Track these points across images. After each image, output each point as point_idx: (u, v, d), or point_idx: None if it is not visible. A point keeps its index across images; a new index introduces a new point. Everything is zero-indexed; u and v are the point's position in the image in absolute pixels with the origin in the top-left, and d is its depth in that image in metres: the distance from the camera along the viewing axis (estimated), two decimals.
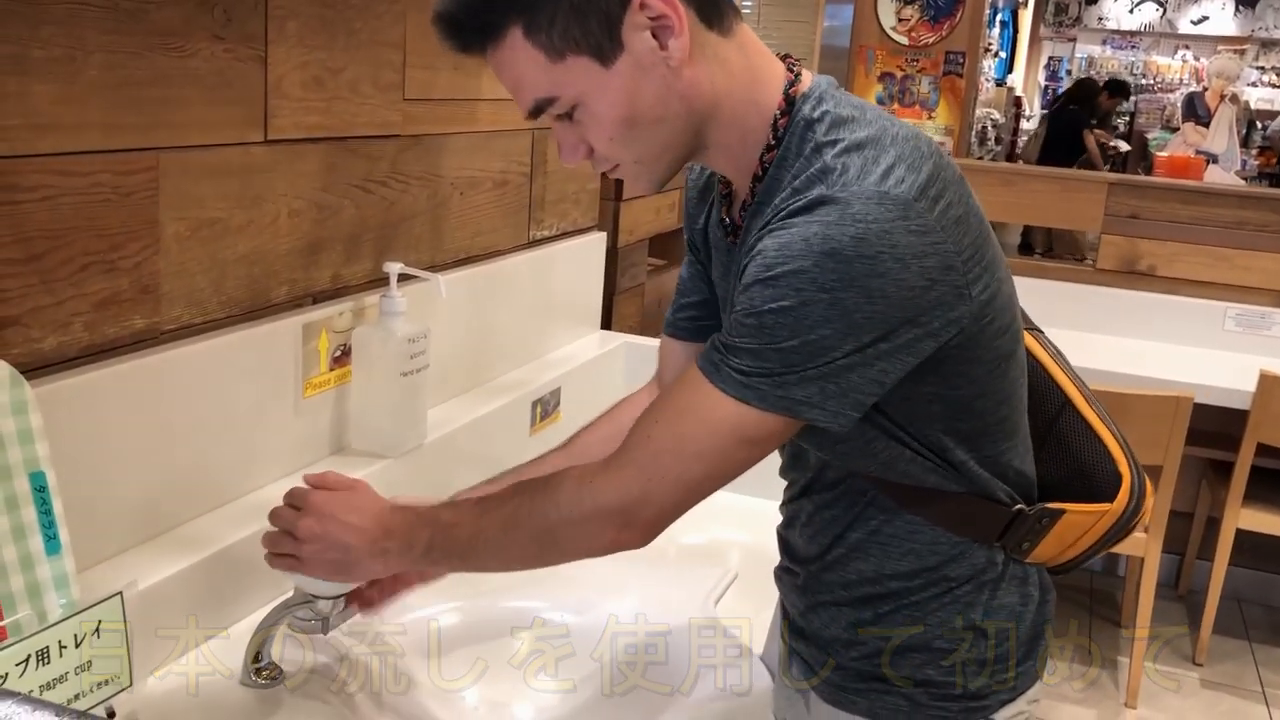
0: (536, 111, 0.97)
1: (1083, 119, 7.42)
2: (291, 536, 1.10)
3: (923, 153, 0.93)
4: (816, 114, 0.97)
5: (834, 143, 0.93)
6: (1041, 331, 1.19)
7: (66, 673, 0.93)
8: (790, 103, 0.98)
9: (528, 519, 1.01)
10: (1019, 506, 1.07)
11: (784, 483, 1.19)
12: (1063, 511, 1.08)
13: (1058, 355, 1.18)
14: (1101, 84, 8.22)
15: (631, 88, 0.94)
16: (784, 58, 1.03)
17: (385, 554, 1.07)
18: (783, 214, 0.91)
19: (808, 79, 1.01)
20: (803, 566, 1.15)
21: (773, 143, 0.98)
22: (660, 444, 0.96)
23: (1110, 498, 1.10)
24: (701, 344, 1.22)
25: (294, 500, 1.13)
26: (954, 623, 1.07)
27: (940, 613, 1.07)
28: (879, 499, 1.07)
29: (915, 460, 1.03)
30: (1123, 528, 1.11)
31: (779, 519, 1.21)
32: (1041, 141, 7.58)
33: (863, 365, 0.91)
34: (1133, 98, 10.14)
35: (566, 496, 0.99)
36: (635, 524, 0.97)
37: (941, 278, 0.91)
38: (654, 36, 0.92)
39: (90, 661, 0.95)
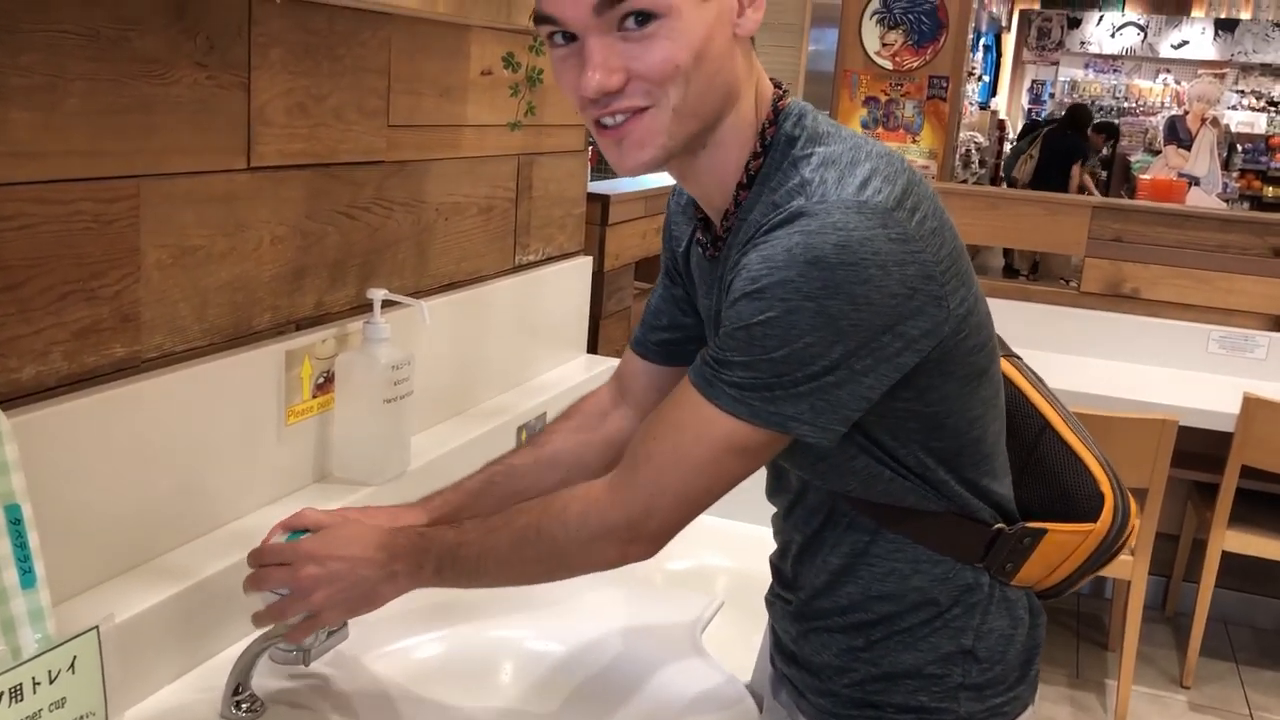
0: (609, 3, 0.90)
1: (1080, 149, 7.49)
2: (296, 593, 1.08)
3: (896, 167, 0.95)
4: (796, 130, 1.00)
5: (809, 156, 0.96)
6: (1019, 357, 1.20)
7: (40, 710, 0.91)
8: (777, 113, 1.01)
9: (536, 540, 1.03)
10: (999, 525, 1.07)
11: (770, 509, 1.19)
12: (1044, 531, 1.08)
13: (1036, 381, 1.18)
14: (1092, 122, 8.31)
15: (712, 30, 0.94)
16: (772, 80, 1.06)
17: (395, 577, 1.07)
18: (764, 229, 0.93)
19: (789, 98, 1.04)
20: (794, 594, 1.15)
21: (759, 150, 1.00)
22: (661, 460, 0.99)
23: (1093, 518, 1.10)
24: (670, 367, 1.24)
25: (278, 558, 1.11)
26: (945, 648, 1.07)
27: (931, 638, 1.07)
28: (860, 520, 1.07)
29: (895, 480, 1.03)
30: (1109, 549, 1.11)
31: (766, 544, 1.22)
32: (1035, 164, 7.61)
33: (849, 380, 0.92)
34: (1115, 120, 10.23)
35: (574, 518, 1.02)
36: (641, 538, 1.01)
37: (922, 286, 0.92)
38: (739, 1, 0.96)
39: (65, 698, 0.93)
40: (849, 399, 0.93)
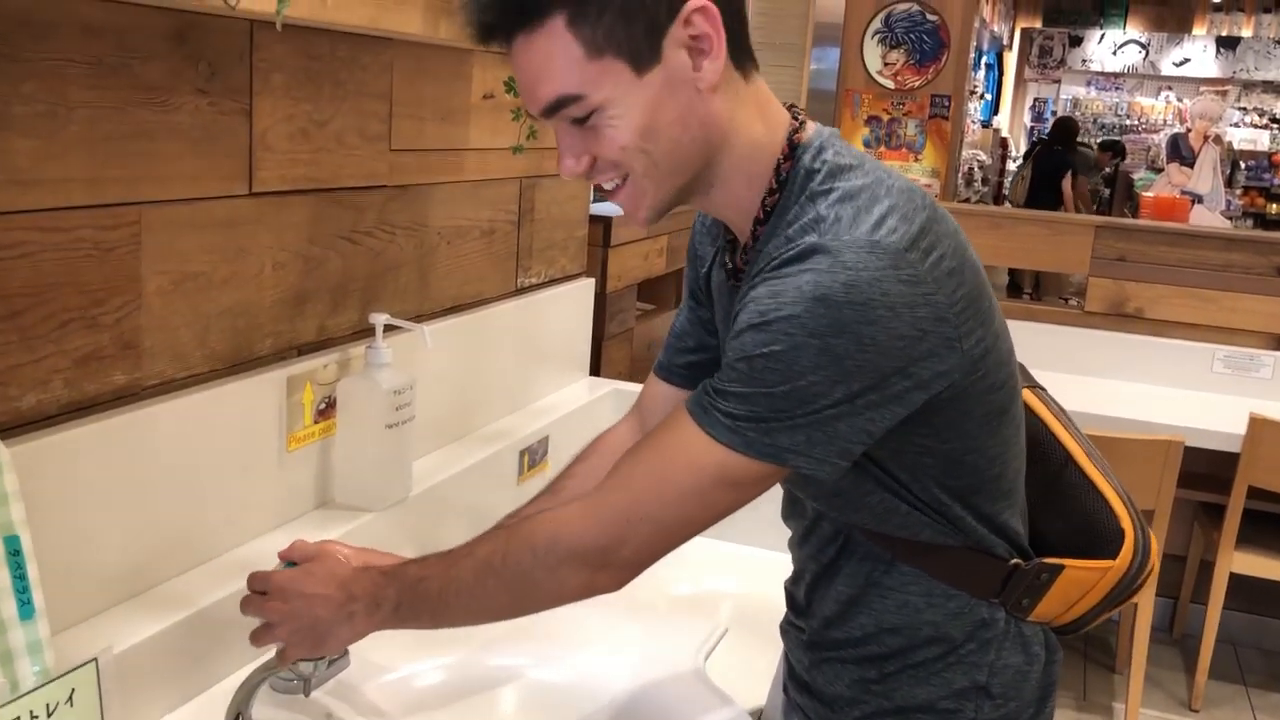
0: (555, 109, 0.95)
1: (1068, 162, 7.48)
2: (267, 624, 1.08)
3: (916, 204, 0.94)
4: (816, 164, 0.98)
5: (828, 191, 0.94)
6: (1043, 389, 1.19)
7: None
8: (793, 148, 0.99)
9: (501, 568, 0.99)
10: (1015, 561, 1.06)
11: (776, 533, 1.19)
12: (1062, 567, 1.06)
13: (1060, 413, 1.17)
14: (1097, 143, 8.30)
15: (658, 101, 0.94)
16: (789, 107, 1.04)
17: (352, 618, 1.04)
18: (775, 262, 0.92)
19: (811, 128, 1.02)
20: (807, 622, 1.15)
21: (774, 186, 0.98)
22: (641, 485, 0.96)
23: (1113, 554, 1.08)
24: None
25: (258, 585, 1.10)
26: (958, 683, 1.06)
27: (945, 673, 1.06)
28: (874, 550, 1.06)
29: (910, 514, 1.02)
30: (1128, 586, 1.09)
31: (770, 568, 1.21)
32: (1028, 184, 7.64)
33: (850, 414, 0.91)
34: (1118, 138, 10.23)
35: (543, 541, 0.98)
36: (611, 565, 0.97)
37: (933, 329, 0.91)
38: (690, 56, 0.93)
39: None
40: (849, 432, 0.92)
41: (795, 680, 1.18)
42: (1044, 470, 1.13)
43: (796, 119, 1.02)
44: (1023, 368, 1.16)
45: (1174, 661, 3.55)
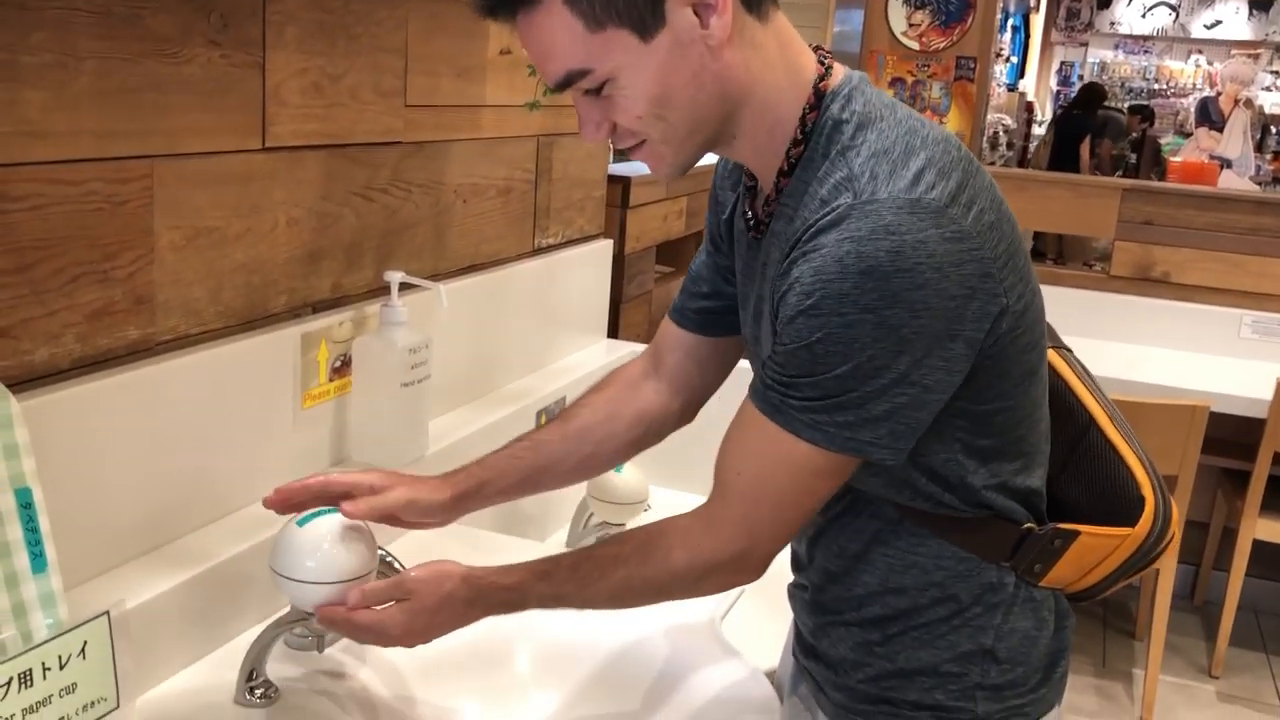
0: (565, 84, 0.93)
1: (1088, 125, 7.38)
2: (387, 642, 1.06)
3: (953, 156, 0.91)
4: (845, 114, 0.94)
5: (858, 146, 0.91)
6: (1069, 350, 1.16)
7: (51, 695, 0.90)
8: (819, 97, 0.96)
9: (642, 585, 1.03)
10: (1029, 525, 1.04)
11: None
12: (1077, 533, 1.04)
13: (1084, 375, 1.15)
14: (1127, 106, 8.17)
15: (668, 65, 0.91)
16: (815, 49, 1.01)
17: (490, 614, 1.07)
18: (812, 230, 0.89)
19: (839, 73, 0.98)
20: (808, 577, 1.14)
21: (800, 138, 0.95)
22: (751, 493, 0.98)
23: (1132, 522, 1.06)
24: (708, 338, 1.21)
25: (367, 638, 1.06)
26: (964, 646, 1.05)
27: (950, 635, 1.05)
28: (883, 510, 1.05)
29: (929, 483, 1.01)
30: (1147, 554, 1.07)
31: None
32: (1050, 148, 7.55)
33: (921, 396, 0.90)
34: (1146, 102, 10.09)
35: (680, 563, 1.00)
36: (748, 569, 1.01)
37: (980, 285, 0.89)
38: (696, 14, 0.90)
39: (75, 684, 0.92)
40: (923, 415, 0.92)
41: (802, 644, 1.17)
42: (1066, 434, 1.11)
43: (823, 63, 0.98)
44: (1050, 328, 1.13)
45: (1195, 629, 3.53)
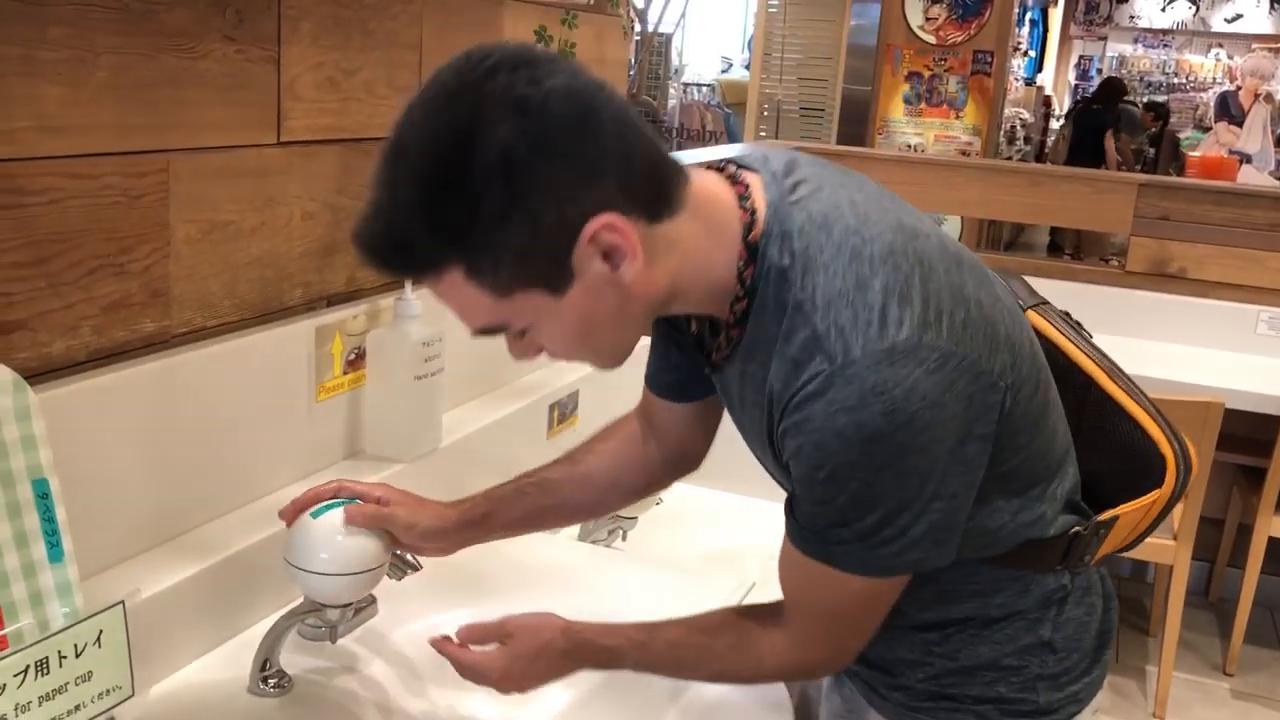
0: (484, 334, 0.92)
1: (1106, 120, 7.35)
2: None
3: (904, 268, 0.88)
4: (785, 259, 0.90)
5: (814, 295, 0.88)
6: (1047, 304, 1.13)
7: (67, 683, 0.92)
8: (751, 249, 0.91)
9: (737, 679, 1.10)
10: (1075, 530, 1.03)
11: None
12: (1115, 518, 1.05)
13: (1068, 329, 1.12)
14: (1143, 102, 8.14)
15: (586, 309, 0.88)
16: (722, 169, 0.96)
17: (584, 669, 1.09)
18: (796, 398, 0.88)
19: (761, 207, 0.92)
20: None
21: (741, 294, 0.92)
22: (826, 620, 1.00)
23: (1158, 482, 1.06)
24: (689, 403, 1.19)
25: (469, 676, 1.09)
26: (1022, 640, 1.05)
27: (1007, 630, 1.05)
28: None
29: (977, 534, 1.00)
30: (1174, 502, 1.09)
31: None
32: (1069, 143, 7.51)
33: (953, 504, 0.91)
34: (1164, 97, 10.03)
35: (770, 668, 1.04)
36: (841, 662, 1.05)
37: (976, 388, 0.89)
38: (605, 259, 0.86)
39: (91, 672, 0.94)
40: (961, 515, 0.93)
41: None
42: (1067, 399, 1.08)
43: (744, 205, 0.92)
44: (1027, 286, 1.13)
45: (1209, 626, 3.52)
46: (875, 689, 1.12)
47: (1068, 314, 1.16)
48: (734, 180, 0.95)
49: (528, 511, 1.21)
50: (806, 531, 0.94)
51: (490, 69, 0.81)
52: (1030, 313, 1.10)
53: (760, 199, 0.93)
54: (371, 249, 0.86)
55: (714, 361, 1.00)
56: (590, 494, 1.24)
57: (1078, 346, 1.11)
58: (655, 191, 0.87)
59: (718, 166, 0.97)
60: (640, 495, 1.29)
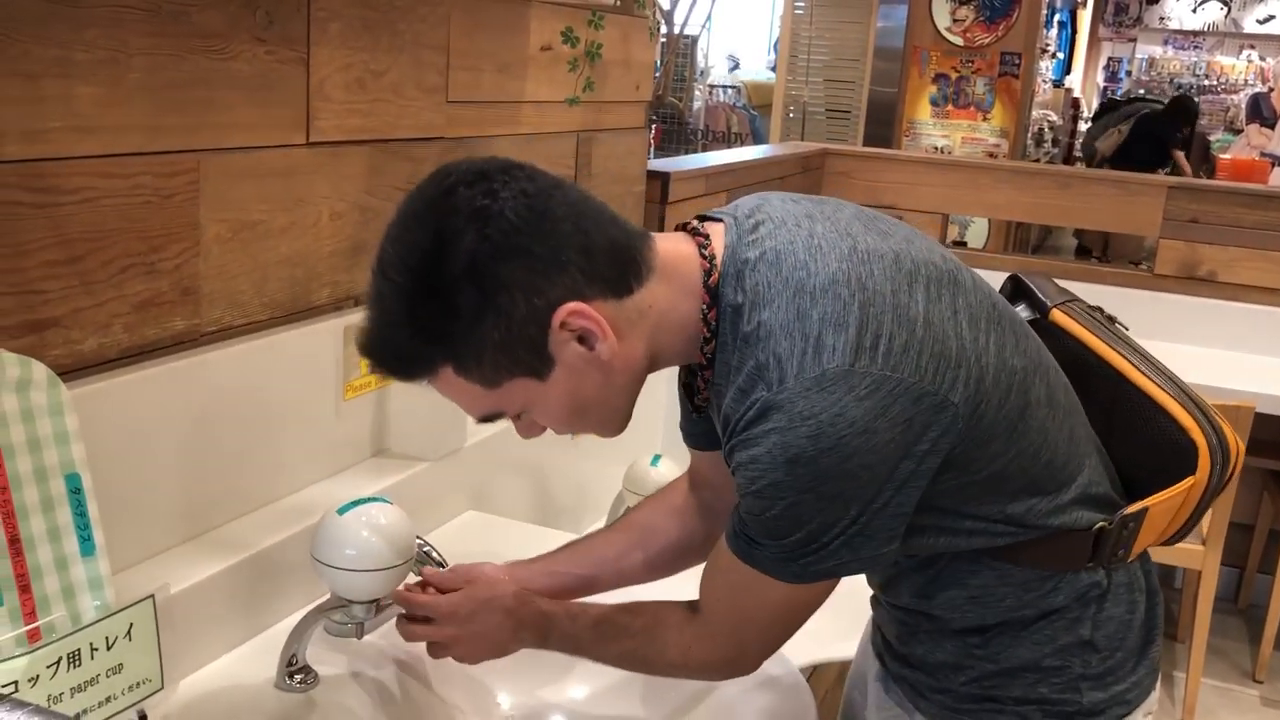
0: (486, 420, 1.00)
1: (1173, 136, 7.30)
2: (437, 645, 1.16)
3: (843, 297, 0.90)
4: (738, 298, 0.95)
5: (757, 330, 0.92)
6: (1076, 301, 1.14)
7: (98, 675, 0.93)
8: (712, 293, 0.96)
9: (643, 665, 1.12)
10: (1100, 525, 1.03)
11: None
12: (1145, 510, 1.04)
13: (1097, 324, 1.12)
14: (1196, 119, 8.08)
15: (572, 387, 0.95)
16: (687, 228, 1.00)
17: (522, 641, 1.15)
18: (740, 424, 0.92)
19: (717, 246, 0.97)
20: (893, 600, 1.13)
21: (708, 335, 0.97)
22: (734, 619, 1.03)
23: (1191, 470, 1.05)
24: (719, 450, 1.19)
25: (418, 611, 1.15)
26: (1062, 640, 1.04)
27: (1046, 630, 1.04)
28: (960, 556, 1.04)
29: (977, 533, 1.01)
30: (1218, 488, 1.07)
31: None
32: (1124, 140, 7.41)
33: (879, 516, 0.93)
34: (1195, 99, 9.94)
35: (675, 657, 1.08)
36: (739, 671, 1.08)
37: (916, 411, 0.90)
38: (581, 342, 0.93)
39: (122, 664, 0.95)
40: (888, 525, 0.94)
41: (892, 653, 1.16)
42: (1097, 395, 1.08)
43: (703, 254, 0.97)
44: (1055, 285, 1.13)
45: (1239, 632, 3.49)
46: (920, 692, 1.12)
47: (1099, 309, 1.16)
48: (695, 233, 0.99)
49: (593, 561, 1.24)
50: (738, 531, 0.97)
51: (449, 188, 0.90)
52: (1056, 311, 1.11)
53: (719, 244, 0.98)
54: (372, 357, 0.95)
55: (698, 405, 1.05)
56: (663, 574, 1.26)
57: (1104, 341, 1.11)
58: (618, 270, 0.94)
59: (682, 224, 1.02)
60: (683, 548, 1.27)
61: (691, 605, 1.07)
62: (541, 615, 1.13)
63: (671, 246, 0.98)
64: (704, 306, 0.96)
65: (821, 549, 0.93)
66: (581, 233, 0.91)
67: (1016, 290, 1.16)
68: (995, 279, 1.12)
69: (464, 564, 1.20)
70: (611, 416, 1.02)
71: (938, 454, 0.92)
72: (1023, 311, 1.12)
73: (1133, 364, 1.09)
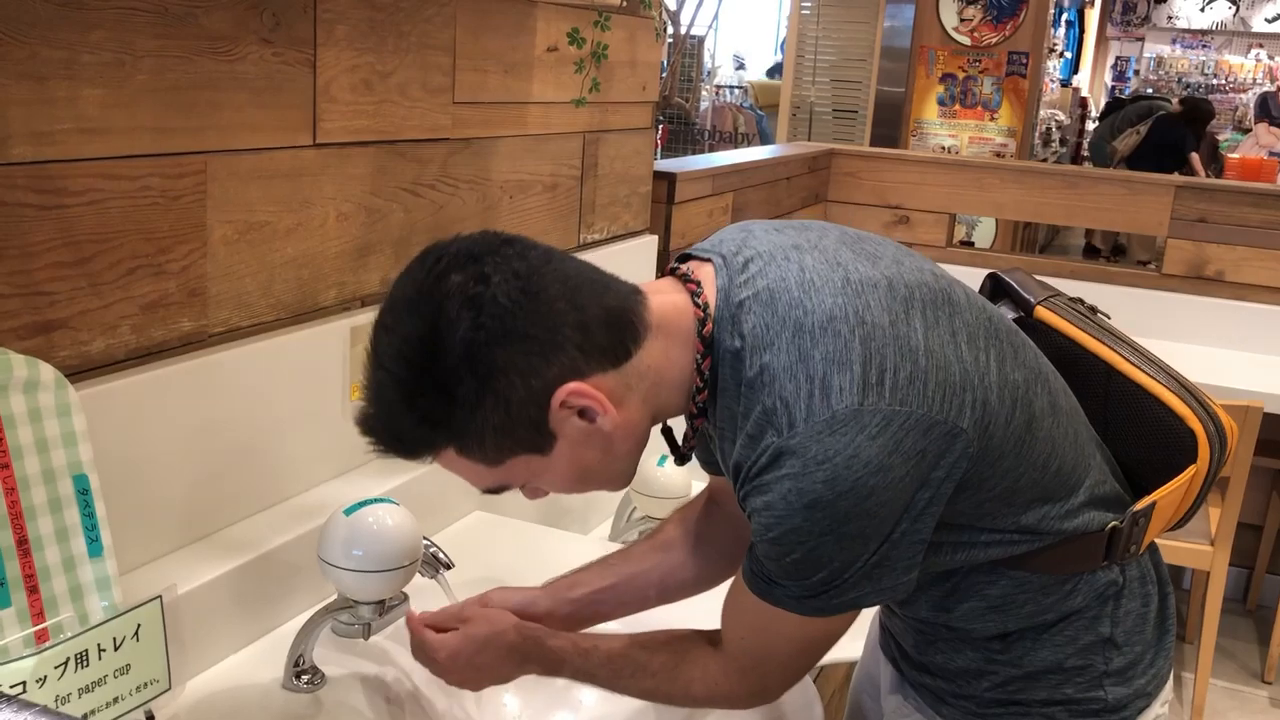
0: (491, 493, 1.01)
1: (1191, 141, 7.30)
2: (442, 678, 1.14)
3: (843, 334, 0.89)
4: (736, 342, 0.94)
5: (760, 374, 0.91)
6: (1058, 295, 1.13)
7: (105, 676, 0.93)
8: (707, 342, 0.95)
9: (666, 700, 1.10)
10: (1112, 525, 1.03)
11: None
12: (1153, 505, 1.04)
13: (1081, 317, 1.12)
14: (1210, 120, 8.08)
15: (575, 458, 0.95)
16: (676, 274, 0.99)
17: (528, 672, 1.13)
18: (752, 470, 0.91)
19: (709, 292, 0.96)
20: (909, 613, 1.12)
21: (701, 385, 0.96)
22: (757, 654, 1.02)
23: (1192, 458, 1.05)
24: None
25: (427, 655, 1.13)
26: (1083, 639, 1.04)
27: (1066, 631, 1.04)
28: (977, 568, 1.03)
29: (994, 545, 1.00)
30: (1216, 473, 1.07)
31: None
32: (1141, 140, 7.40)
33: (898, 547, 0.92)
34: (1208, 99, 9.91)
35: (699, 693, 1.07)
36: (765, 700, 1.07)
37: (928, 442, 0.89)
38: (581, 415, 0.92)
39: (129, 665, 0.95)
40: (907, 554, 0.93)
41: (907, 660, 1.15)
42: (1090, 391, 1.08)
43: (696, 303, 0.96)
44: (1038, 282, 1.12)
45: (1247, 633, 3.48)
46: (941, 698, 1.11)
47: (1079, 300, 1.15)
48: (686, 279, 0.98)
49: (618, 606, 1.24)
50: (756, 572, 0.97)
51: (440, 274, 0.90)
52: (1039, 309, 1.11)
53: (711, 290, 0.97)
54: (373, 440, 0.94)
55: (683, 451, 1.05)
56: (683, 595, 1.25)
57: (1091, 335, 1.10)
58: (615, 338, 0.93)
59: (671, 269, 1.02)
60: (699, 581, 1.26)
61: (711, 639, 1.06)
62: (549, 651, 1.11)
63: (665, 299, 0.97)
64: (698, 355, 0.95)
65: (843, 584, 0.92)
66: (576, 308, 0.91)
67: (996, 289, 1.16)
68: None
69: (470, 599, 1.18)
70: (615, 477, 1.02)
71: (952, 480, 0.92)
72: (1006, 311, 1.12)
73: (1122, 356, 1.09)
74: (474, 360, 0.88)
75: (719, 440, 1.00)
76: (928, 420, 0.89)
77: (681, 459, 1.07)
